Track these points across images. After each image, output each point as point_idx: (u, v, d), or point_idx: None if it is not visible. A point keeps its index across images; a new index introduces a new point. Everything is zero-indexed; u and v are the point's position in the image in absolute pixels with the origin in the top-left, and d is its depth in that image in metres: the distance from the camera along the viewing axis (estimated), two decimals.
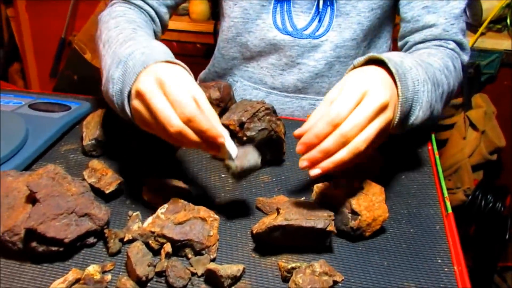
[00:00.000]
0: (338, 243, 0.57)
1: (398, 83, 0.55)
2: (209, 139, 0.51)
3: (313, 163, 0.51)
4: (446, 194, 0.64)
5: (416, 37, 0.79)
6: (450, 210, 0.61)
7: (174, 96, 0.49)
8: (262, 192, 0.66)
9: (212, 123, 0.51)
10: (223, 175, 0.69)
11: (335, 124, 0.50)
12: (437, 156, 0.72)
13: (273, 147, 0.69)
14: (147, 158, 0.70)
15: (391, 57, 0.57)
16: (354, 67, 0.58)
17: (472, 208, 1.50)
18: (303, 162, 0.52)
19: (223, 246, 0.56)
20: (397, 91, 0.55)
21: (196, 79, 1.06)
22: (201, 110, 0.50)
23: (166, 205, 0.56)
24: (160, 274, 0.51)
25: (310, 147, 0.51)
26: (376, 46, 0.88)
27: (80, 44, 2.17)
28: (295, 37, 0.82)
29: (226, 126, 0.66)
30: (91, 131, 0.71)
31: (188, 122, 0.49)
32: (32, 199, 0.54)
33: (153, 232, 0.53)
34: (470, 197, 1.50)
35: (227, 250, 0.55)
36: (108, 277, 0.50)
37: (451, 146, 1.56)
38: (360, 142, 0.50)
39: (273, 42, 0.83)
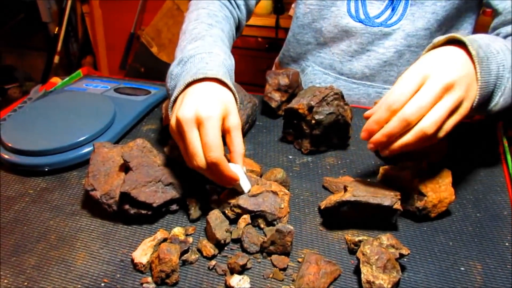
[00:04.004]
0: (403, 222, 0.59)
1: (478, 66, 0.53)
2: (225, 180, 0.55)
3: (379, 146, 0.53)
4: None
5: (509, 28, 0.75)
6: None
7: (205, 138, 0.53)
8: (328, 173, 0.69)
9: (229, 168, 0.54)
10: (290, 156, 0.73)
11: (394, 110, 0.50)
12: (505, 144, 0.72)
13: (340, 131, 0.72)
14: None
15: (475, 39, 0.55)
16: (434, 46, 0.57)
17: None
18: (369, 145, 0.54)
19: (292, 220, 0.60)
20: (476, 74, 0.53)
21: (271, 66, 1.10)
22: (231, 144, 0.56)
23: None
24: (236, 240, 0.56)
25: (372, 133, 0.53)
26: None
27: (148, 38, 2.30)
28: (366, 25, 0.84)
29: (295, 110, 0.70)
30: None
31: (211, 164, 0.53)
32: (125, 167, 0.61)
33: (229, 203, 0.58)
34: None
35: (296, 223, 0.59)
36: (190, 239, 0.56)
37: None
38: (426, 125, 0.49)
39: (345, 28, 0.86)
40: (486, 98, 0.57)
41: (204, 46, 0.65)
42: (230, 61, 0.66)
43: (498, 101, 0.57)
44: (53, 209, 0.62)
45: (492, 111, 0.59)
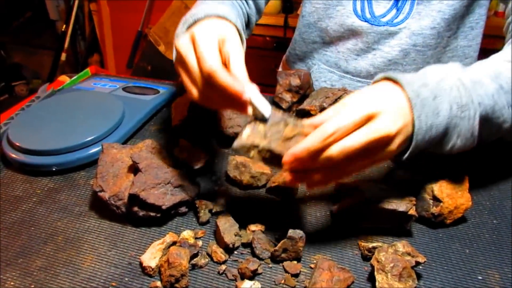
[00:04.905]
0: (418, 228, 0.57)
1: (414, 108, 0.48)
2: (232, 97, 0.47)
3: (295, 164, 0.47)
4: None
5: None
6: None
7: (198, 50, 0.49)
8: None
9: (234, 79, 0.47)
10: None
11: (327, 143, 0.45)
12: None
13: None
14: (230, 138, 0.74)
15: (416, 78, 0.50)
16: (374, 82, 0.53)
17: None
18: (285, 166, 0.47)
19: (303, 224, 0.58)
20: (412, 116, 0.48)
21: (278, 65, 1.09)
22: (230, 67, 0.49)
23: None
24: (246, 245, 0.55)
25: (297, 158, 0.46)
26: (466, 36, 0.85)
27: (155, 36, 2.29)
28: (372, 24, 0.82)
29: (307, 111, 0.69)
30: (179, 112, 0.77)
31: (208, 78, 0.47)
32: (134, 168, 0.60)
33: (256, 146, 0.48)
34: None
35: (307, 228, 0.58)
36: (200, 242, 0.55)
37: None
38: (332, 150, 0.45)
39: (351, 28, 0.84)
40: (437, 140, 0.50)
41: (208, 4, 0.65)
42: (242, 12, 0.64)
43: (456, 143, 0.51)
44: (60, 210, 0.61)
45: (451, 152, 0.53)
